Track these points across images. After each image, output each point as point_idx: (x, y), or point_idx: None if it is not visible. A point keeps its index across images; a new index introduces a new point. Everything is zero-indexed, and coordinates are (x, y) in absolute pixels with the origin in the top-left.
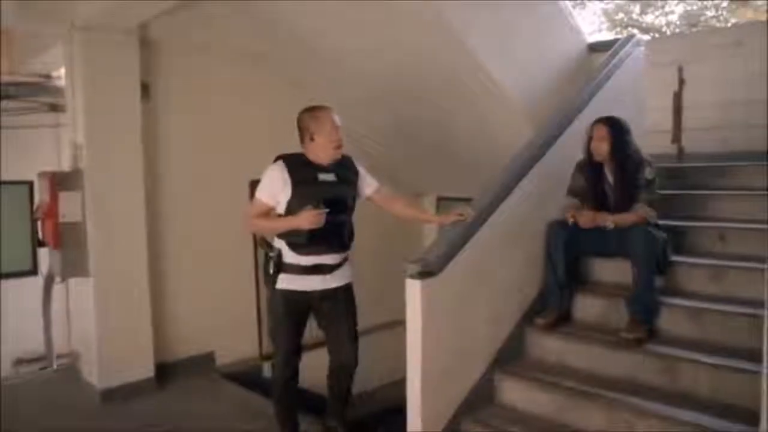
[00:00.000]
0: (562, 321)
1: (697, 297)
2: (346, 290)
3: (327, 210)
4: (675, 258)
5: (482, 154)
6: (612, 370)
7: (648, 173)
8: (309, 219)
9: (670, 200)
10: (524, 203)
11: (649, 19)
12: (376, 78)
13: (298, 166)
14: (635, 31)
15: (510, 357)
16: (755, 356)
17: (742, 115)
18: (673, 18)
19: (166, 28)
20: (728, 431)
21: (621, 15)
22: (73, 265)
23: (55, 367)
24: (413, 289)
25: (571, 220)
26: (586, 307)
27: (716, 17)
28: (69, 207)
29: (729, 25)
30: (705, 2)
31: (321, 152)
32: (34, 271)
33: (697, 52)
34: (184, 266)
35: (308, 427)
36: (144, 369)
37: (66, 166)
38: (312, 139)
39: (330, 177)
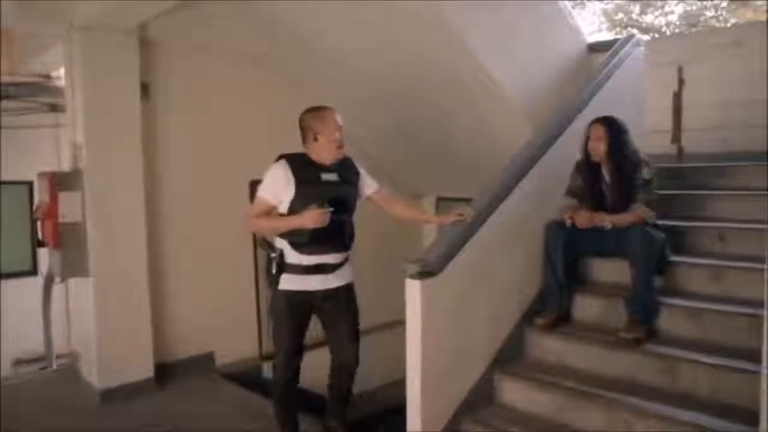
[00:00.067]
0: (561, 321)
1: (697, 297)
2: (348, 290)
3: (331, 209)
4: (675, 258)
5: (482, 154)
6: (611, 370)
7: (645, 173)
8: (313, 218)
9: (669, 200)
10: (524, 203)
11: (648, 19)
12: (376, 78)
13: (301, 166)
14: (635, 31)
15: (510, 357)
16: (755, 356)
17: (742, 115)
18: (673, 18)
19: (166, 28)
20: (728, 431)
21: (621, 15)
22: (73, 265)
23: (54, 367)
24: (413, 289)
25: (568, 221)
26: (586, 307)
27: (716, 17)
28: (69, 207)
29: (729, 25)
30: (704, 2)
31: (324, 152)
32: (33, 272)
33: (696, 52)
34: (184, 266)
35: (308, 427)
36: (144, 369)
37: (66, 166)
38: (315, 139)
39: (332, 177)
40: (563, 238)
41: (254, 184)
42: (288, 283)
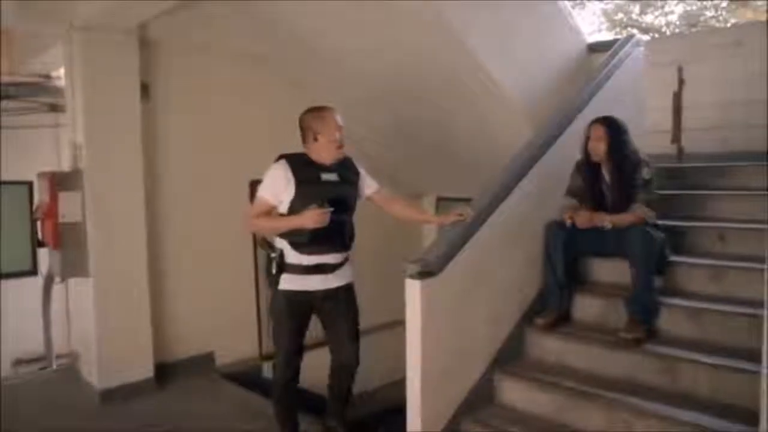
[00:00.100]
0: (561, 321)
1: (697, 297)
2: (348, 290)
3: (331, 209)
4: (675, 258)
5: (482, 154)
6: (611, 370)
7: (645, 173)
8: (314, 218)
9: (669, 200)
10: (524, 203)
11: (648, 19)
12: (376, 78)
13: (301, 166)
14: (635, 31)
15: (510, 357)
16: (755, 356)
17: (742, 115)
18: (673, 18)
19: (166, 28)
20: (728, 431)
21: (620, 15)
22: (73, 265)
23: (54, 367)
24: (413, 289)
25: (568, 222)
26: (586, 307)
27: (716, 17)
28: (69, 207)
29: (728, 25)
30: (704, 2)
31: (324, 152)
32: (33, 272)
33: (696, 52)
34: (184, 266)
35: (308, 427)
36: (144, 369)
37: (66, 166)
38: (315, 139)
39: (333, 177)
40: (563, 238)
41: (254, 184)
42: (288, 283)
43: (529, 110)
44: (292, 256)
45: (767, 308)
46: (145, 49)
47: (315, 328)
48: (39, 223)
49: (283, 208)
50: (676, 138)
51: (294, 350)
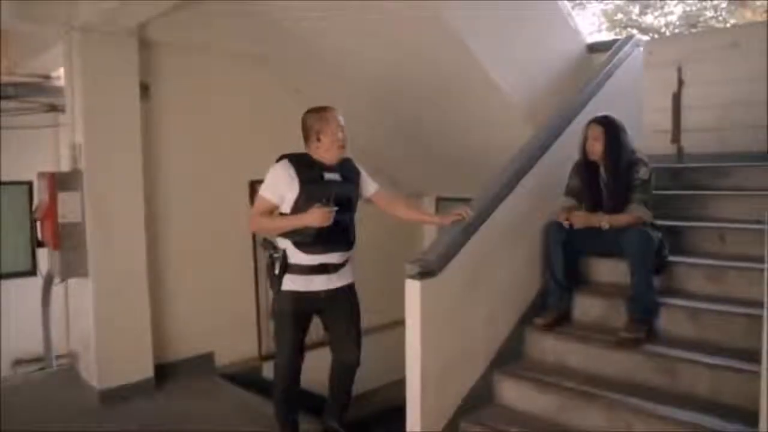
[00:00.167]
0: (561, 321)
1: (697, 297)
2: (350, 290)
3: (336, 208)
4: (674, 258)
5: (482, 154)
6: (611, 370)
7: (643, 173)
8: (319, 216)
9: (669, 200)
10: (524, 203)
11: (648, 19)
12: (376, 78)
13: (304, 165)
14: (634, 31)
15: (509, 357)
16: (754, 357)
17: (742, 115)
18: (673, 18)
19: (166, 28)
20: (727, 431)
21: (620, 15)
22: (73, 265)
23: (54, 367)
24: (413, 289)
25: (565, 223)
26: (585, 307)
27: (715, 18)
28: (68, 207)
29: (728, 25)
30: (704, 3)
31: (326, 152)
32: (33, 272)
33: (696, 52)
34: (183, 266)
35: (308, 427)
36: (143, 369)
37: (65, 166)
38: (318, 139)
39: (335, 176)
40: (562, 238)
41: (254, 185)
42: (292, 283)
43: (529, 110)
44: (296, 256)
45: (767, 308)
46: (145, 49)
47: (315, 328)
48: (39, 224)
49: (287, 207)
50: (676, 138)
51: (296, 351)
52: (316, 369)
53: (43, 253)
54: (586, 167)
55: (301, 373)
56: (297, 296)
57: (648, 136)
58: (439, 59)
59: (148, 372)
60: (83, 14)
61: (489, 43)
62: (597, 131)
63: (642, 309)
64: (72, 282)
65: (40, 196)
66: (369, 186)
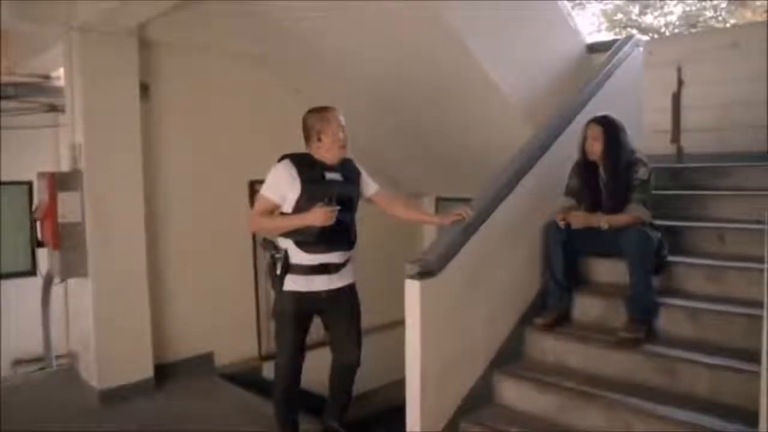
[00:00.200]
0: (561, 321)
1: (696, 297)
2: (350, 290)
3: (339, 207)
4: (674, 258)
5: (482, 154)
6: (611, 370)
7: (642, 173)
8: (322, 216)
9: (669, 200)
10: (524, 203)
11: (648, 19)
12: (376, 78)
13: (305, 165)
14: (634, 31)
15: (509, 357)
16: (754, 357)
17: (742, 115)
18: (672, 18)
19: (165, 28)
20: (727, 431)
21: (620, 15)
22: (73, 265)
23: (54, 367)
24: (412, 289)
25: (562, 223)
26: (585, 307)
27: (715, 18)
28: (68, 207)
29: (728, 25)
30: (704, 3)
31: (327, 152)
32: (33, 272)
33: (696, 52)
34: (183, 266)
35: (308, 427)
36: (143, 369)
37: (65, 166)
38: (319, 139)
39: (336, 176)
40: (562, 238)
41: (254, 184)
42: (293, 284)
43: (528, 110)
44: (297, 256)
45: (766, 308)
46: (145, 49)
47: (315, 328)
48: (38, 224)
49: (288, 207)
50: (676, 138)
51: (297, 351)
52: (316, 369)
53: (42, 253)
54: (585, 167)
55: (301, 372)
56: (299, 296)
57: (648, 136)
58: (439, 59)
59: (148, 372)
60: (83, 14)
61: (489, 43)
62: (596, 131)
63: (641, 309)
64: (72, 282)
65: (40, 196)
66: (369, 186)
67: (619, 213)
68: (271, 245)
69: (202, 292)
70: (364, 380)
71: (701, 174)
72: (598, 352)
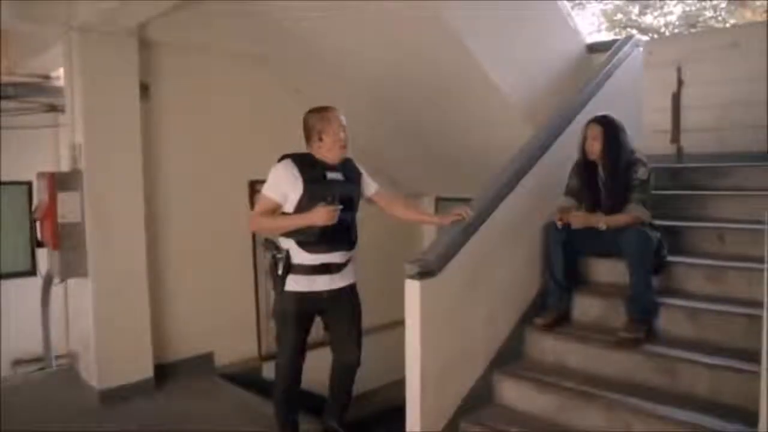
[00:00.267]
0: (560, 321)
1: (696, 297)
2: (351, 290)
3: (341, 207)
4: (674, 258)
5: (481, 154)
6: (611, 370)
7: (642, 173)
8: (324, 215)
9: (668, 200)
10: (523, 203)
11: (648, 19)
12: (376, 78)
13: (307, 165)
14: (634, 31)
15: (509, 357)
16: (754, 357)
17: (742, 115)
18: (672, 19)
19: (165, 28)
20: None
21: (620, 16)
22: (72, 265)
23: (54, 367)
24: (412, 289)
25: (559, 223)
26: (585, 307)
27: (715, 18)
28: (68, 207)
29: (728, 25)
30: (704, 3)
31: (328, 152)
32: (33, 272)
33: (696, 52)
34: (183, 266)
35: (308, 427)
36: (143, 369)
37: (65, 166)
38: (320, 139)
39: (338, 176)
40: (562, 238)
41: (254, 184)
42: (295, 284)
43: (528, 110)
44: (299, 256)
45: (766, 308)
46: (145, 49)
47: (315, 328)
48: (38, 224)
49: (290, 207)
50: (676, 138)
51: (298, 351)
52: (317, 369)
53: (42, 253)
54: (585, 167)
55: (302, 373)
56: (300, 297)
57: (647, 136)
58: (439, 59)
59: (148, 372)
60: (83, 14)
61: (489, 44)
62: (596, 131)
63: (641, 309)
64: (72, 282)
65: (39, 196)
66: (369, 186)
67: (618, 213)
68: (272, 245)
69: (202, 292)
70: (364, 380)
71: (701, 174)
72: (597, 352)
